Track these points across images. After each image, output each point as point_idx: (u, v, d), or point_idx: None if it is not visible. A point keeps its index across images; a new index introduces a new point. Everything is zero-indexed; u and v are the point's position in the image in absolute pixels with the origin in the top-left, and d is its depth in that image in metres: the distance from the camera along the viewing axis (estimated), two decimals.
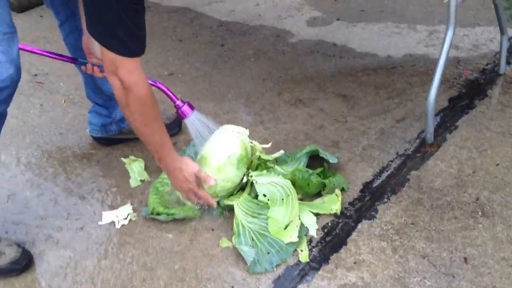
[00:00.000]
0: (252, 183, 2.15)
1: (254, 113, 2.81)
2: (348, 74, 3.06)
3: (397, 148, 2.46)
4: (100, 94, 2.50)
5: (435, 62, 2.43)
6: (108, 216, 2.23)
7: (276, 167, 2.26)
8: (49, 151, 2.66)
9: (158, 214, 2.15)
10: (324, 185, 2.19)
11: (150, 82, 2.33)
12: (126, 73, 1.82)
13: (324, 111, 2.76)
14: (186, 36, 3.70)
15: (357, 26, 3.62)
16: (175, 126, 2.67)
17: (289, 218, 2.04)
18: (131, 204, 2.28)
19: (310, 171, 2.19)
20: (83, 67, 2.27)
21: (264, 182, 2.11)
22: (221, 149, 2.13)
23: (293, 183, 2.15)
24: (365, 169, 2.35)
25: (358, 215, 2.14)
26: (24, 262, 2.03)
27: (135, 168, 2.46)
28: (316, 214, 2.13)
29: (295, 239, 2.00)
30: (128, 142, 2.63)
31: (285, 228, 2.03)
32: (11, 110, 1.97)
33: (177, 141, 2.61)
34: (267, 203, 2.07)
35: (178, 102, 2.26)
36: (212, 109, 2.85)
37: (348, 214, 2.15)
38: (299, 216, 2.08)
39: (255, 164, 2.23)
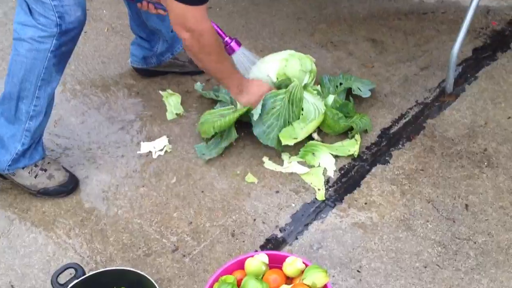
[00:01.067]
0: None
1: None
2: (380, 18, 3.13)
3: (417, 96, 2.59)
4: (144, 28, 2.60)
5: (465, 10, 2.48)
6: (146, 147, 2.42)
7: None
8: (92, 79, 2.80)
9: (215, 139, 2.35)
10: (351, 128, 2.36)
11: None
12: (196, 22, 1.97)
13: (353, 55, 2.87)
14: None
15: None
16: None
17: (300, 136, 2.29)
18: (167, 137, 2.46)
19: (340, 114, 2.36)
20: (138, 4, 2.36)
21: (310, 100, 2.32)
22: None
23: (324, 121, 2.35)
24: (385, 116, 2.50)
25: (373, 159, 2.31)
26: (71, 186, 2.23)
27: (172, 102, 2.62)
28: (335, 156, 2.32)
29: (290, 143, 2.28)
30: (166, 76, 2.77)
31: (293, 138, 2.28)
32: None
33: None
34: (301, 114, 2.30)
35: (227, 39, 2.37)
36: (247, 47, 2.91)
37: (364, 157, 2.33)
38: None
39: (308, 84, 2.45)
